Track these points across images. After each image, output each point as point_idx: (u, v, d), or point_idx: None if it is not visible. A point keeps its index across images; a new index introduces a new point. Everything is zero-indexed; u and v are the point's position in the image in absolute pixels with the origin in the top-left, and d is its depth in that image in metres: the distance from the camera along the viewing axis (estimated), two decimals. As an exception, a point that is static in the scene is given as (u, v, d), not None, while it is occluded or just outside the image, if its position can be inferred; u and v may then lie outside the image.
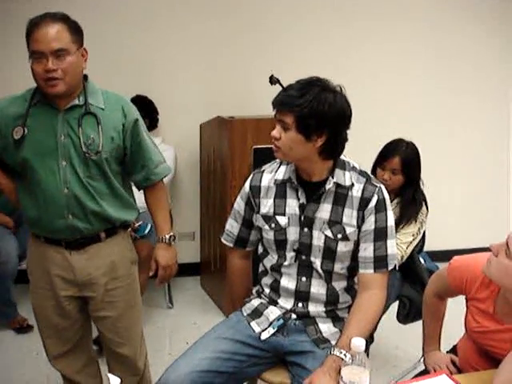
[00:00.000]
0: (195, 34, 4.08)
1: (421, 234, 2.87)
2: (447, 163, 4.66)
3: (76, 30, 2.04)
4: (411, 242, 2.80)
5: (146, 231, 3.38)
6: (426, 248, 3.09)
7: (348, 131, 1.94)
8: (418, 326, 2.96)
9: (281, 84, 3.50)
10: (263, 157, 3.48)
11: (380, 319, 2.79)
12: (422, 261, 2.95)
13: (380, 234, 1.98)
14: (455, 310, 2.25)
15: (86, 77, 2.15)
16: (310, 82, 1.89)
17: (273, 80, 3.55)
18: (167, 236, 2.33)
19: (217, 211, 3.86)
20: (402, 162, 2.83)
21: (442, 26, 4.48)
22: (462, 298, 2.03)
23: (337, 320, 2.07)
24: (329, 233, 1.98)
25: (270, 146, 3.44)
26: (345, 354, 1.82)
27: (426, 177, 2.96)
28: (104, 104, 2.14)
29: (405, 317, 2.91)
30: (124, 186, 2.26)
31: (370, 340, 2.35)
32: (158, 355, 3.08)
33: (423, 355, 2.21)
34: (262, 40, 4.17)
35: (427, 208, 2.89)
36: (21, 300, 3.63)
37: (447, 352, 2.16)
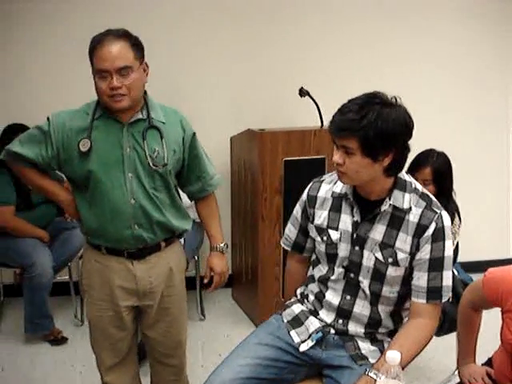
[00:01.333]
0: (225, 47, 4.11)
1: (454, 246, 2.84)
2: (480, 173, 4.59)
3: (138, 46, 2.08)
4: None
5: None
6: (459, 259, 3.06)
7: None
8: (452, 337, 2.95)
9: (310, 96, 3.55)
10: (294, 169, 3.54)
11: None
12: (455, 272, 2.92)
13: (435, 265, 1.89)
14: (490, 321, 2.22)
15: (144, 91, 2.20)
16: (367, 100, 1.77)
17: (303, 92, 3.63)
18: (221, 245, 2.42)
19: (248, 223, 3.87)
20: (433, 172, 2.81)
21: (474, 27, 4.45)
22: (497, 310, 2.01)
23: (376, 341, 2.03)
24: (379, 255, 1.92)
25: (300, 158, 3.52)
26: (380, 376, 1.76)
27: (459, 187, 2.93)
28: (164, 118, 2.20)
29: (439, 329, 2.86)
30: (178, 197, 2.32)
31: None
32: (191, 368, 3.08)
33: (458, 367, 2.18)
34: (292, 52, 4.17)
35: (460, 219, 2.87)
36: (56, 312, 3.69)
37: (482, 364, 2.13)
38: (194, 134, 2.28)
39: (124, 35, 2.05)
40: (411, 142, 2.81)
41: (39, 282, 3.38)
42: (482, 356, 2.17)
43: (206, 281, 2.43)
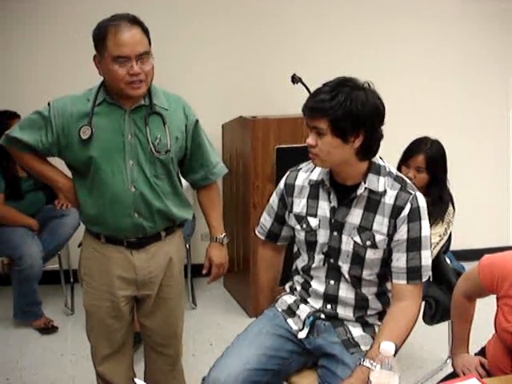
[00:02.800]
0: (216, 35, 4.07)
1: (447, 235, 2.84)
2: (473, 161, 4.59)
3: (147, 32, 2.05)
4: (438, 243, 2.77)
5: None
6: (451, 247, 3.05)
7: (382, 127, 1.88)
8: (443, 326, 2.95)
9: (303, 83, 3.52)
10: (286, 157, 3.52)
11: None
12: (447, 261, 2.91)
13: (413, 245, 1.91)
14: (483, 311, 2.22)
15: None
16: (338, 83, 1.83)
17: (295, 79, 3.59)
18: (221, 236, 2.38)
19: (239, 212, 3.85)
20: (426, 159, 2.80)
21: (466, 26, 4.43)
22: (490, 300, 2.00)
23: (366, 326, 2.04)
24: (358, 239, 1.94)
25: (292, 145, 3.49)
26: (375, 366, 1.76)
27: (452, 176, 2.92)
28: (167, 104, 2.17)
29: (431, 318, 2.87)
30: (180, 185, 2.30)
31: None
32: (182, 356, 3.08)
33: (450, 357, 2.17)
34: (284, 39, 4.15)
35: (454, 208, 2.86)
36: (45, 301, 3.67)
37: (475, 354, 2.13)
38: (197, 121, 2.25)
39: (137, 21, 2.02)
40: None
41: (28, 273, 3.36)
42: (475, 345, 2.17)
43: (204, 271, 2.41)
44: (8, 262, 3.40)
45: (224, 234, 2.40)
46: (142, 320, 2.40)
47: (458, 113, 4.51)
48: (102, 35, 1.98)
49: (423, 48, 4.37)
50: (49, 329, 3.53)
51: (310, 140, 1.87)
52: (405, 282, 1.93)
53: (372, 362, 1.79)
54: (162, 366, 2.48)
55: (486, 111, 4.61)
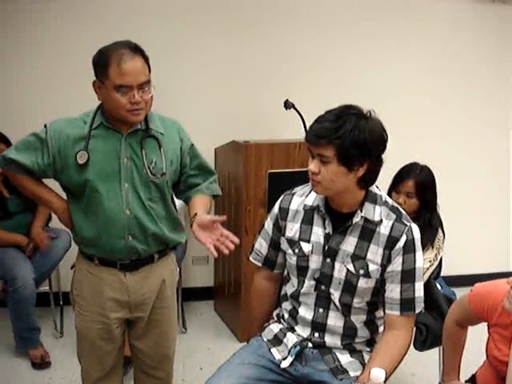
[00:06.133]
0: (209, 59, 4.09)
1: (438, 261, 2.85)
2: (463, 185, 4.59)
3: (147, 60, 2.08)
4: (428, 269, 2.77)
5: None
6: (442, 273, 3.06)
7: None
8: (434, 352, 2.95)
9: (296, 109, 3.55)
10: (278, 181, 3.53)
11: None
12: (438, 287, 2.92)
13: (407, 276, 1.92)
14: (475, 337, 2.22)
15: None
16: (343, 110, 1.83)
17: (288, 105, 3.62)
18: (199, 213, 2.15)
19: (231, 235, 3.84)
20: (416, 185, 2.83)
21: (452, 45, 4.46)
22: (481, 326, 2.00)
23: (354, 352, 2.03)
24: (351, 267, 1.93)
25: (284, 170, 3.51)
26: None
27: (441, 200, 2.94)
28: (163, 129, 2.20)
29: (422, 343, 2.86)
30: (174, 209, 2.30)
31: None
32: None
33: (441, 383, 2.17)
34: (278, 65, 4.17)
35: (444, 233, 2.87)
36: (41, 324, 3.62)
37: (466, 381, 2.13)
38: (193, 145, 2.29)
39: (138, 49, 2.04)
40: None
41: (21, 294, 3.32)
42: (465, 373, 2.16)
43: (213, 253, 2.01)
44: (3, 288, 3.37)
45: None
46: (133, 342, 2.38)
47: (453, 134, 4.54)
48: (103, 63, 2.00)
49: (417, 70, 4.41)
50: (42, 364, 3.41)
51: (313, 167, 1.86)
52: (398, 313, 1.93)
53: None
54: None
55: (484, 132, 4.62)
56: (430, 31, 4.40)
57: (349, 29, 4.26)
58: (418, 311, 1.95)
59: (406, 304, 1.93)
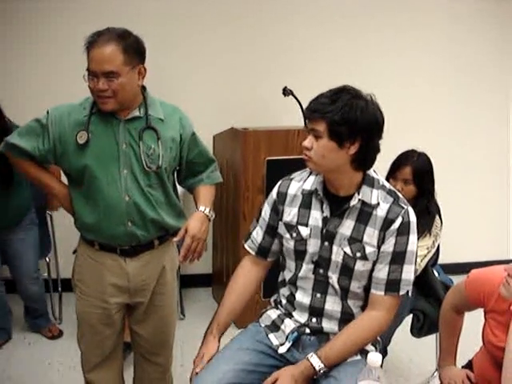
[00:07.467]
0: (208, 47, 4.09)
1: (435, 248, 2.85)
2: (463, 175, 4.61)
3: (132, 50, 2.05)
4: (425, 256, 2.78)
5: None
6: (440, 261, 3.07)
7: (380, 141, 1.90)
8: (431, 339, 2.96)
9: (294, 95, 3.54)
10: (276, 168, 3.52)
11: (393, 334, 2.78)
12: (435, 274, 2.93)
13: (397, 258, 1.92)
14: (471, 324, 2.23)
15: (144, 87, 2.20)
16: (341, 89, 1.86)
17: (286, 92, 3.61)
18: (204, 208, 2.25)
19: (229, 223, 3.86)
20: (413, 171, 2.83)
21: (454, 37, 4.46)
22: (478, 312, 2.01)
23: None
24: (348, 250, 1.94)
25: (283, 157, 3.50)
26: (320, 367, 1.85)
27: (440, 189, 2.95)
28: (163, 115, 2.19)
29: (419, 330, 2.88)
30: (175, 195, 2.31)
31: (383, 354, 2.32)
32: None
33: (438, 370, 2.18)
34: (277, 51, 4.16)
35: (441, 220, 2.88)
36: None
37: (462, 367, 2.14)
38: (194, 133, 2.29)
39: (118, 38, 2.02)
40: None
41: (31, 290, 3.43)
42: (462, 358, 2.18)
43: (175, 239, 2.20)
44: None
45: (210, 209, 2.26)
46: (133, 327, 2.40)
47: (451, 121, 4.54)
48: (85, 46, 2.03)
49: (416, 60, 4.40)
50: (56, 336, 3.58)
51: (307, 142, 1.89)
52: (382, 292, 1.94)
53: (318, 361, 1.86)
54: (152, 374, 2.48)
55: (483, 120, 4.62)
56: (429, 22, 4.39)
57: (347, 18, 4.25)
58: (402, 293, 1.95)
59: (392, 285, 1.93)
